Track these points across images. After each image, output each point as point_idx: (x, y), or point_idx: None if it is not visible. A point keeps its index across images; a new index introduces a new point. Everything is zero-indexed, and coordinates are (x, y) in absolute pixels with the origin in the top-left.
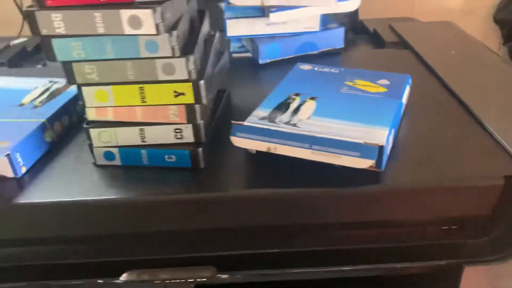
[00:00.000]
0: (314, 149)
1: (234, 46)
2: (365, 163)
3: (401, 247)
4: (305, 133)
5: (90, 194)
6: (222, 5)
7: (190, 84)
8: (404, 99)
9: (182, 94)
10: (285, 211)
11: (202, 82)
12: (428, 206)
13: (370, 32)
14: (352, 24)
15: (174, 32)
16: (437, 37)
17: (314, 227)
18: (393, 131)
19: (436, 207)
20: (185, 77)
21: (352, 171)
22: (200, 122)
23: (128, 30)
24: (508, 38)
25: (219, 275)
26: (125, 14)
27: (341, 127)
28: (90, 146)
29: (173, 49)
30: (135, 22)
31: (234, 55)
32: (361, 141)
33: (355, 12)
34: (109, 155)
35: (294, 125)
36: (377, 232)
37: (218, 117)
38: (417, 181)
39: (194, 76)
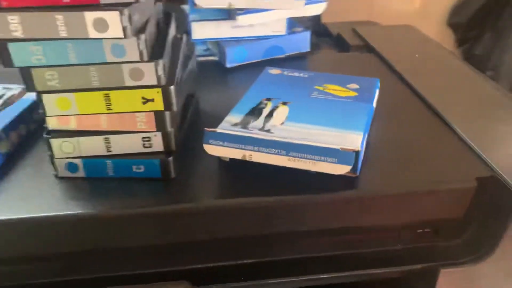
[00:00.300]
0: (290, 156)
1: (199, 49)
2: (342, 169)
3: (376, 252)
4: (281, 139)
5: (52, 209)
6: (186, 7)
7: (160, 90)
8: (375, 103)
9: (151, 100)
10: (260, 221)
11: (172, 87)
12: (403, 210)
13: (334, 35)
14: (315, 28)
15: (142, 36)
16: (400, 40)
17: (289, 235)
18: (366, 135)
19: (411, 211)
20: (154, 82)
21: (326, 176)
22: (170, 129)
23: (93, 33)
24: (461, 42)
25: None
26: (90, 16)
27: (315, 132)
28: (51, 157)
29: (141, 53)
30: (101, 24)
31: (200, 58)
32: (338, 147)
33: (318, 16)
34: (72, 167)
35: (268, 131)
36: (352, 238)
37: (187, 123)
38: (393, 185)
39: (163, 82)
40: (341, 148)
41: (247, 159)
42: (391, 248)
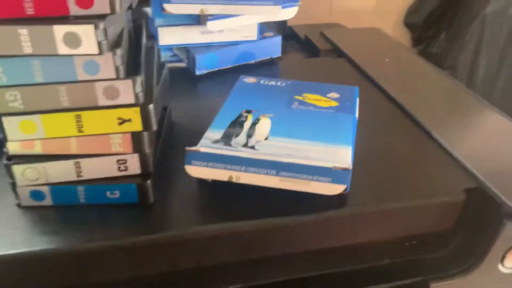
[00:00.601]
0: (281, 176)
1: (165, 55)
2: (336, 189)
3: (365, 268)
4: (271, 158)
5: (15, 246)
6: (148, 10)
7: (138, 109)
8: (357, 114)
9: (128, 121)
10: (247, 245)
11: (151, 106)
12: (393, 225)
13: (301, 38)
14: (282, 31)
15: (118, 51)
16: (369, 44)
17: (277, 258)
18: (353, 149)
19: (401, 225)
20: (132, 101)
21: (314, 194)
22: (149, 150)
23: (63, 49)
24: (417, 41)
25: None
26: (60, 30)
27: (303, 147)
28: (13, 185)
29: (117, 69)
30: (72, 40)
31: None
32: (330, 166)
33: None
34: (37, 195)
35: (253, 147)
36: (341, 256)
37: (162, 140)
38: (383, 201)
39: (142, 100)
40: (333, 167)
41: (234, 180)
42: (379, 264)
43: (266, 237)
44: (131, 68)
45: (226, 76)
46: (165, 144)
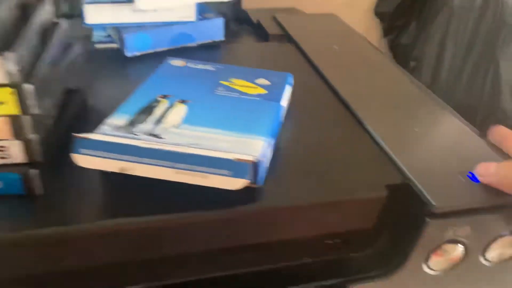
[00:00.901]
0: (177, 168)
1: (98, 35)
2: (237, 184)
3: (282, 267)
4: (166, 148)
5: None
6: None
7: (12, 90)
8: (284, 102)
9: (2, 103)
10: (148, 242)
11: (29, 86)
12: (310, 223)
13: (253, 22)
14: (235, 14)
15: None
16: (321, 30)
17: (179, 256)
18: (271, 140)
19: (318, 223)
20: (5, 80)
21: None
22: (33, 136)
23: None
24: (387, 31)
25: None
26: None
27: (212, 137)
28: None
29: None
30: None
31: (98, 45)
32: (231, 158)
33: (238, 1)
34: None
35: (157, 136)
36: (256, 253)
37: (65, 126)
38: (297, 196)
39: (17, 79)
40: (234, 159)
41: (128, 172)
42: (298, 263)
43: (164, 234)
44: (9, 44)
45: (162, 59)
46: (71, 130)
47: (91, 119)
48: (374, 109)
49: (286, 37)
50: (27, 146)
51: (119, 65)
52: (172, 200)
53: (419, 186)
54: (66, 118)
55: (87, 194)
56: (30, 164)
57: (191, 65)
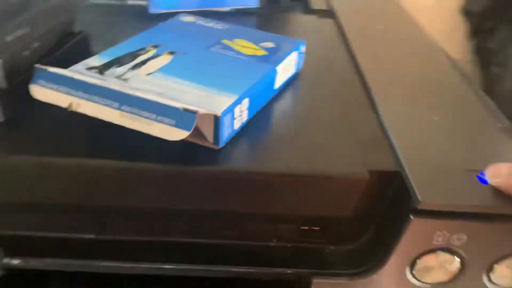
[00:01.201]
0: (123, 111)
1: None
2: (179, 134)
3: (245, 246)
4: (112, 87)
5: None
6: None
7: None
8: (283, 67)
9: None
10: (93, 187)
11: None
12: (274, 197)
13: None
14: None
15: None
16: (371, 9)
17: (129, 211)
18: (246, 101)
19: (284, 200)
20: None
21: (193, 148)
22: None
23: None
24: (474, 33)
25: (8, 260)
26: None
27: (181, 89)
28: None
29: None
30: None
31: (131, 1)
32: (178, 106)
33: None
34: None
35: (125, 80)
36: (217, 227)
37: (50, 62)
38: (263, 164)
39: None
40: (182, 108)
41: (74, 109)
42: (263, 244)
43: (109, 182)
44: None
45: None
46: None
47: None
48: (395, 92)
49: (329, 12)
50: None
51: (139, 20)
52: (118, 147)
53: (409, 177)
54: (57, 57)
55: (57, 126)
56: None
57: (201, 22)
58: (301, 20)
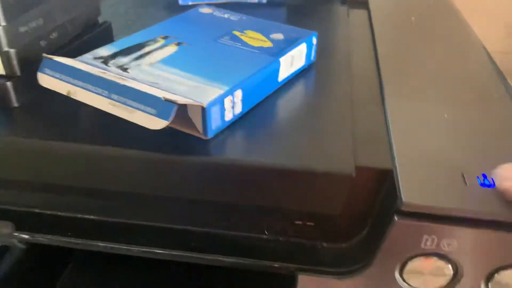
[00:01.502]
0: (112, 99)
1: None
2: (158, 124)
3: (235, 236)
4: (105, 76)
5: None
6: None
7: None
8: (288, 59)
9: None
10: (91, 171)
11: None
12: (260, 190)
13: None
14: None
15: None
16: (412, 4)
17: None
18: (238, 92)
19: (271, 193)
20: None
21: (186, 138)
22: (9, 49)
23: None
24: None
25: (18, 234)
26: None
27: (177, 79)
28: None
29: None
30: None
31: None
32: (160, 96)
33: None
34: None
35: (126, 70)
36: (214, 214)
37: (73, 49)
38: (246, 156)
39: None
40: (163, 98)
41: (72, 96)
42: (256, 236)
43: (105, 167)
44: None
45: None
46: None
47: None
48: (406, 87)
49: (365, 4)
50: (3, 58)
51: (167, 12)
52: (115, 134)
53: (399, 176)
54: (76, 47)
55: (55, 114)
56: (8, 76)
57: (217, 13)
58: (332, 11)
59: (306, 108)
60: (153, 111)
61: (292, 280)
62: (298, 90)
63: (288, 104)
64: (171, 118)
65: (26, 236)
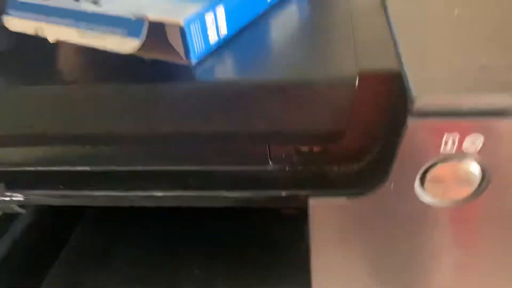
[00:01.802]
0: (80, 29)
1: None
2: (129, 44)
3: (243, 171)
4: (69, 6)
5: None
6: None
7: None
8: None
9: None
10: (72, 115)
11: None
12: (258, 112)
13: None
14: None
15: None
16: None
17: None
18: (220, 10)
19: (270, 114)
20: None
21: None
22: None
23: None
24: None
25: (10, 193)
26: None
27: (151, 4)
28: None
29: None
30: None
31: None
32: (130, 15)
33: None
34: None
35: (96, 3)
36: (212, 148)
37: None
38: (238, 75)
39: None
40: (134, 17)
41: (40, 34)
42: (260, 169)
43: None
44: None
45: None
46: None
47: None
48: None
49: None
50: None
51: None
52: (96, 71)
53: (407, 74)
54: None
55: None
56: None
57: None
58: None
59: (301, 24)
60: (124, 31)
61: (303, 209)
62: (291, 8)
63: (280, 23)
64: (142, 36)
65: (19, 196)
